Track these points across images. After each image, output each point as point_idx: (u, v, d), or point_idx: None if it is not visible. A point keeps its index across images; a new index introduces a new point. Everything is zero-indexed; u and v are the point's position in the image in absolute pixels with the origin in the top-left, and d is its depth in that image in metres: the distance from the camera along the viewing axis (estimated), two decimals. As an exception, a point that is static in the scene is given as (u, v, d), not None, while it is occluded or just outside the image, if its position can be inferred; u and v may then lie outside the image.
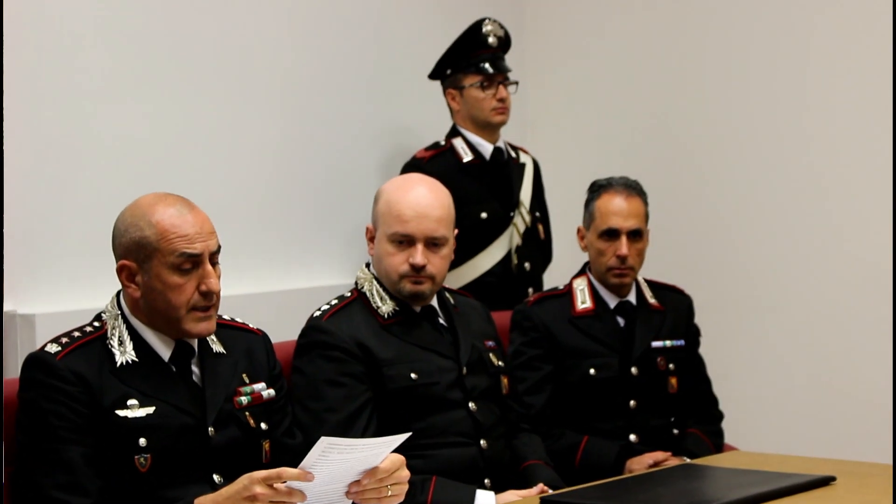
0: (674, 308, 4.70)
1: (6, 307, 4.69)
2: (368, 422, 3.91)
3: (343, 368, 3.95)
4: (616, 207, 4.55)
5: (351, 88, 5.78)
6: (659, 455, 4.40)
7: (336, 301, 4.09)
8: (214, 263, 3.47)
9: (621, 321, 4.59)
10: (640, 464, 4.39)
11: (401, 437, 3.20)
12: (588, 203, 4.61)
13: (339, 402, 3.91)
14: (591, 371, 4.53)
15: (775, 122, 5.89)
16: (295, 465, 3.58)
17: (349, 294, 4.11)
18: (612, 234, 4.55)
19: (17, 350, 4.59)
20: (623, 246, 4.54)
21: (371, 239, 4.12)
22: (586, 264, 4.67)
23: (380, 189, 4.16)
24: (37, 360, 3.42)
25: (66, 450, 3.31)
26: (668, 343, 4.61)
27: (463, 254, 5.19)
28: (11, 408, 3.46)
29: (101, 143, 4.96)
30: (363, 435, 3.84)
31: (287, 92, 5.56)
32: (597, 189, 4.62)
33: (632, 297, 4.62)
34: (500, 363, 4.22)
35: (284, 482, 3.12)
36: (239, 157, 5.38)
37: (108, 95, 4.99)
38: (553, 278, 5.56)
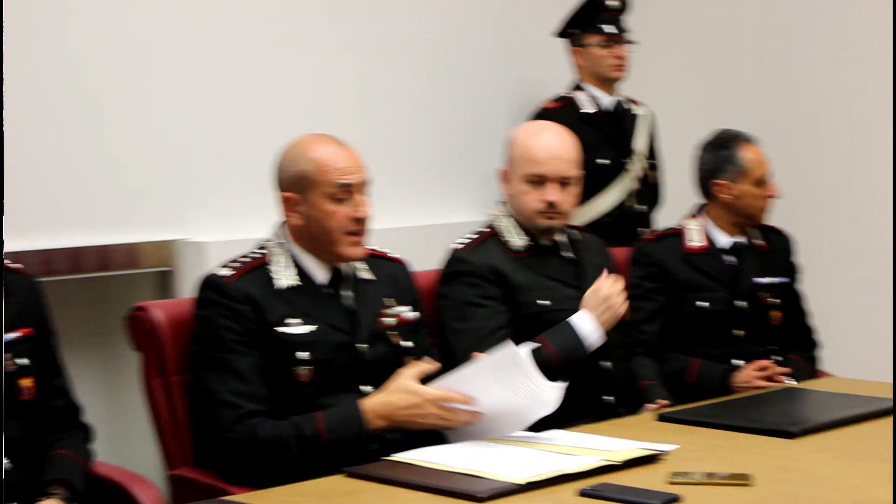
0: (778, 247, 4.68)
1: (179, 235, 4.77)
2: (506, 339, 3.92)
3: (483, 292, 3.99)
4: (762, 157, 4.54)
5: (484, 45, 5.81)
6: (763, 362, 4.38)
7: (474, 235, 4.12)
8: (365, 194, 3.52)
9: (731, 259, 4.58)
10: (745, 375, 4.36)
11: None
12: (729, 158, 4.54)
13: (483, 320, 3.95)
14: (701, 304, 4.52)
15: (880, 75, 5.79)
16: (433, 380, 3.66)
17: (485, 229, 4.14)
18: (764, 181, 4.54)
19: (189, 274, 4.66)
20: (775, 188, 4.57)
21: (505, 180, 4.13)
22: (702, 206, 4.64)
23: (511, 134, 4.17)
24: (211, 282, 3.49)
25: (238, 360, 3.38)
26: (772, 280, 4.59)
27: (583, 196, 5.19)
28: (184, 324, 3.55)
29: (261, 90, 5.02)
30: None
31: (428, 48, 5.59)
32: (731, 141, 4.57)
33: (741, 237, 4.60)
34: (621, 293, 4.23)
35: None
36: (384, 105, 5.43)
37: (267, 49, 5.05)
38: (663, 219, 5.55)
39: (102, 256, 4.56)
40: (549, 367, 3.79)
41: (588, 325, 3.97)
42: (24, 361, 3.24)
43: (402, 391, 3.33)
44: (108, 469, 3.39)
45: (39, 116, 4.43)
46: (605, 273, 4.05)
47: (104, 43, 4.59)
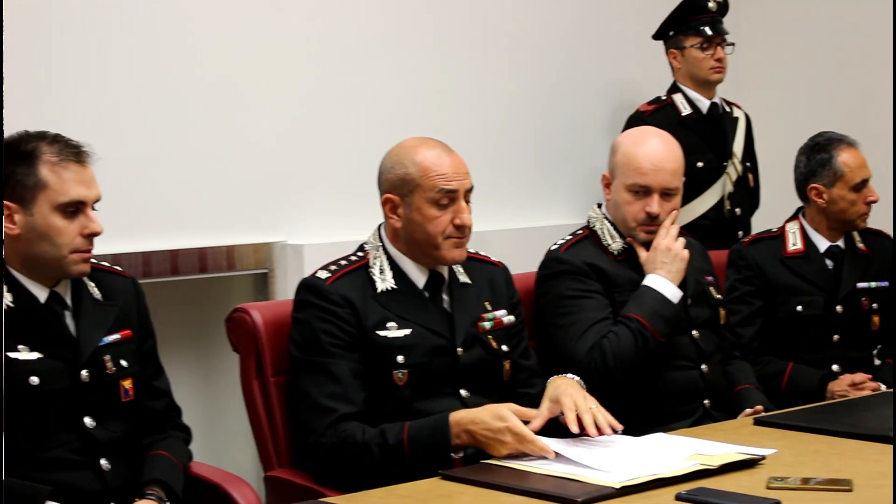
0: (879, 251, 4.61)
1: (277, 237, 4.80)
2: (602, 329, 3.91)
3: (586, 286, 3.96)
4: (862, 160, 4.49)
5: (582, 48, 5.81)
6: (858, 377, 4.34)
7: (570, 237, 4.10)
8: (467, 201, 3.51)
9: (830, 263, 4.52)
10: (840, 385, 4.33)
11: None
12: (825, 162, 4.50)
13: (587, 312, 3.93)
14: (799, 308, 4.48)
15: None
16: (528, 384, 3.64)
17: (581, 231, 4.11)
18: (864, 185, 4.49)
19: (287, 276, 4.70)
20: (875, 191, 4.50)
21: (607, 186, 4.09)
22: (799, 209, 4.60)
23: (616, 141, 4.13)
24: (309, 285, 3.49)
25: (335, 363, 3.38)
26: (873, 284, 4.53)
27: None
28: (282, 326, 3.57)
29: (361, 92, 5.05)
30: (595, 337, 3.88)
31: (526, 51, 5.60)
32: (829, 145, 4.52)
33: (840, 241, 4.54)
34: (718, 296, 4.19)
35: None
36: (482, 108, 5.44)
37: (367, 52, 5.08)
38: (760, 223, 5.50)
39: (201, 259, 4.60)
40: (644, 337, 3.81)
41: (660, 282, 3.93)
42: (125, 363, 3.27)
43: (493, 414, 3.24)
44: (205, 469, 3.40)
45: (139, 121, 4.48)
46: (664, 230, 4.00)
47: (201, 47, 4.63)
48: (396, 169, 3.51)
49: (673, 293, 3.93)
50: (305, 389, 3.40)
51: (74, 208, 3.12)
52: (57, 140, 3.15)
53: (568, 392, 3.38)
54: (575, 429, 3.28)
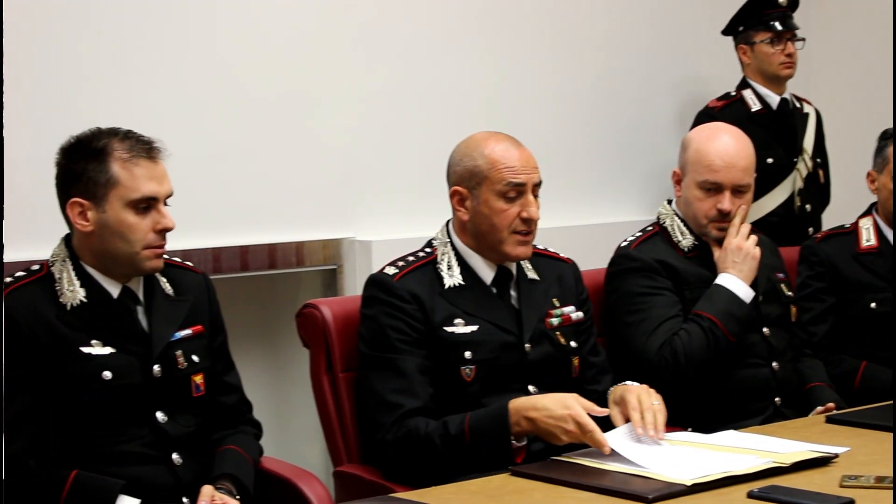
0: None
1: (345, 234, 4.81)
2: (672, 327, 3.88)
3: (655, 283, 3.94)
4: None
5: (651, 43, 5.78)
6: None
7: (640, 233, 4.08)
8: (535, 195, 3.50)
9: (900, 257, 4.48)
10: None
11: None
12: (881, 149, 4.47)
13: (658, 309, 3.91)
14: (872, 305, 4.42)
15: None
16: (596, 380, 3.63)
17: (651, 227, 4.10)
18: None
19: (355, 272, 4.71)
20: None
21: (678, 182, 4.07)
22: (872, 205, 4.56)
23: (687, 137, 4.11)
24: (377, 281, 3.50)
25: (402, 359, 3.39)
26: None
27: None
28: (352, 321, 3.57)
29: (430, 88, 5.05)
30: (667, 334, 3.86)
31: (595, 47, 5.59)
32: (889, 136, 4.49)
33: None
34: (789, 293, 4.16)
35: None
36: (551, 104, 5.43)
37: (436, 47, 5.08)
38: (830, 219, 5.45)
39: (270, 255, 4.62)
40: (715, 336, 3.79)
41: (733, 281, 3.91)
42: (196, 359, 3.29)
43: (559, 402, 3.22)
44: (275, 464, 3.42)
45: (211, 118, 4.50)
46: (734, 228, 3.97)
47: (271, 46, 4.65)
48: (465, 161, 3.51)
49: (745, 293, 3.91)
50: (373, 386, 3.41)
51: (146, 204, 3.14)
52: (128, 136, 3.17)
53: (633, 391, 3.40)
54: (640, 431, 3.27)
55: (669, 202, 4.12)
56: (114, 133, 3.17)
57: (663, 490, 2.87)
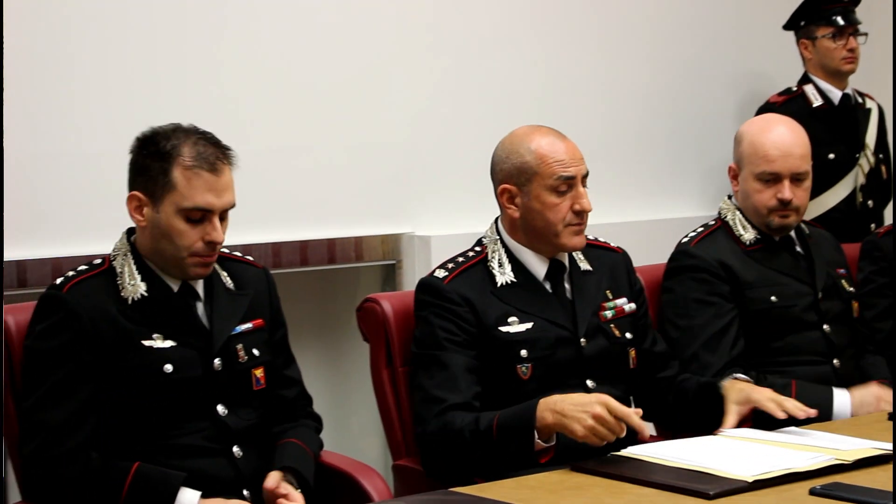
0: None
1: (404, 229, 4.82)
2: (736, 338, 3.87)
3: (711, 289, 3.92)
4: None
5: (710, 38, 5.75)
6: None
7: (702, 229, 4.06)
8: (584, 186, 3.49)
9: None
10: None
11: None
12: None
13: (709, 319, 3.88)
14: (936, 300, 4.38)
15: None
16: (665, 366, 3.63)
17: (713, 222, 4.07)
18: None
19: (414, 267, 4.71)
20: None
21: (734, 177, 4.05)
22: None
23: (740, 131, 4.09)
24: (428, 285, 3.49)
25: (449, 356, 3.37)
26: None
27: (811, 191, 5.10)
28: (411, 316, 3.56)
29: (486, 83, 5.06)
30: (731, 350, 3.83)
31: (654, 41, 5.57)
32: None
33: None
34: (851, 289, 4.13)
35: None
36: (610, 99, 5.42)
37: (491, 43, 5.09)
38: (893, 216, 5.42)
39: (330, 249, 4.64)
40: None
41: (845, 402, 3.82)
42: (256, 352, 3.30)
43: (588, 395, 3.21)
44: (334, 458, 3.42)
45: (270, 115, 4.52)
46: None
47: (329, 42, 4.67)
48: (512, 158, 3.49)
49: (840, 414, 3.80)
50: (420, 382, 3.41)
51: (200, 215, 3.13)
52: (200, 142, 3.15)
53: (757, 388, 3.49)
54: (781, 414, 3.37)
55: (730, 197, 4.09)
56: (188, 135, 3.16)
57: (724, 486, 2.85)
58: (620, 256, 3.73)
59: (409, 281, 4.70)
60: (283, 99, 4.55)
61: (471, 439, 3.25)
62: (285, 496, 3.14)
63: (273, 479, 3.16)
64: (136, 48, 4.25)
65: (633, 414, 3.13)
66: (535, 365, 3.42)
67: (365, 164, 4.74)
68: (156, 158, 3.13)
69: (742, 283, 3.93)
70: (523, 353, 3.42)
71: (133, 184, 3.17)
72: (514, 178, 3.48)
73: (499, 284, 3.48)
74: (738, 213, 4.03)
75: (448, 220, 4.88)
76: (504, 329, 3.43)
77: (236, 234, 3.30)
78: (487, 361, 3.42)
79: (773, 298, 3.94)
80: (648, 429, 3.25)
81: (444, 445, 3.30)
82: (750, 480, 2.88)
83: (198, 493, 3.07)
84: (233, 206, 3.19)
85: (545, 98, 5.15)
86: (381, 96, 4.77)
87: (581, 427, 3.10)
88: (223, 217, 3.18)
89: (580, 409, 3.13)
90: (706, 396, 3.58)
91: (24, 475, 3.15)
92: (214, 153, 3.15)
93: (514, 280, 3.49)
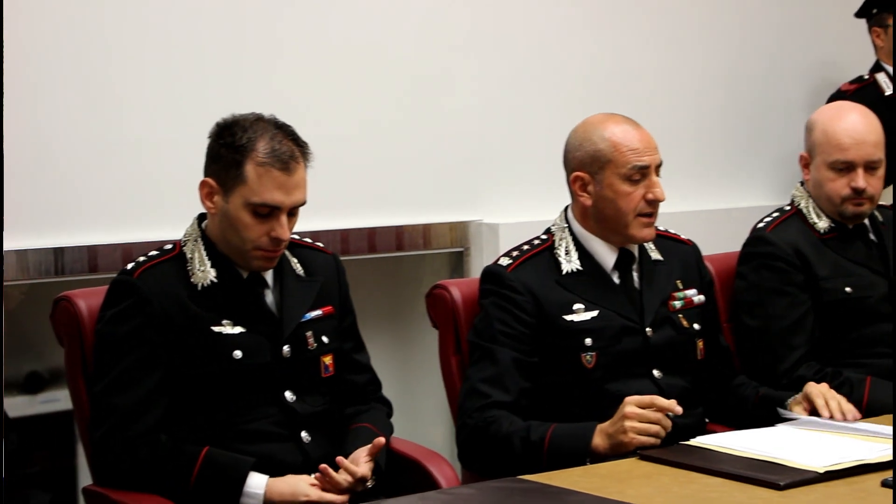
0: None
1: (472, 216, 4.82)
2: (811, 330, 3.84)
3: (786, 278, 3.87)
4: None
5: (782, 26, 5.73)
6: None
7: (777, 214, 4.01)
8: (657, 176, 3.47)
9: None
10: None
11: None
12: None
13: (784, 310, 3.84)
14: None
15: None
16: (727, 363, 3.60)
17: (788, 208, 4.03)
18: None
19: (482, 255, 4.71)
20: None
21: (805, 166, 4.00)
22: None
23: (812, 119, 4.04)
24: (491, 273, 3.48)
25: (500, 351, 3.36)
26: None
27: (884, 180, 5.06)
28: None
29: (556, 71, 5.05)
30: (806, 342, 3.80)
31: (728, 29, 5.56)
32: None
33: None
34: (932, 279, 4.09)
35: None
36: (680, 87, 5.41)
37: (562, 30, 5.08)
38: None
39: (398, 237, 4.64)
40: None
41: None
42: (326, 339, 3.30)
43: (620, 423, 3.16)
44: (404, 445, 3.42)
45: (339, 102, 4.54)
46: None
47: (401, 30, 4.68)
48: (585, 146, 3.47)
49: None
50: (469, 373, 3.41)
51: (268, 210, 3.13)
52: (277, 137, 3.14)
53: (814, 385, 3.46)
54: (826, 414, 3.34)
55: (802, 184, 4.05)
56: (266, 129, 3.15)
57: (794, 477, 2.83)
58: (691, 248, 3.70)
59: (477, 269, 4.69)
60: (353, 86, 4.56)
61: (520, 447, 3.23)
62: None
63: (365, 468, 3.15)
64: (206, 34, 4.28)
65: (656, 397, 3.14)
66: (600, 354, 3.40)
67: (434, 152, 4.74)
68: (230, 149, 3.13)
69: (817, 275, 3.89)
70: (588, 341, 3.40)
71: (207, 170, 3.19)
72: (586, 165, 3.46)
73: (564, 272, 3.46)
74: (811, 200, 3.99)
75: (516, 207, 4.88)
76: (568, 318, 3.41)
77: (305, 220, 3.30)
78: (551, 351, 3.40)
79: (847, 289, 3.89)
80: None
81: (486, 443, 3.29)
82: (821, 471, 2.85)
83: (266, 477, 3.08)
84: (303, 204, 3.18)
85: (616, 87, 5.14)
86: (451, 84, 4.77)
87: (626, 435, 3.11)
88: (293, 213, 3.18)
89: (617, 421, 3.14)
90: (766, 409, 3.55)
91: (94, 459, 3.17)
92: (289, 150, 3.14)
93: (581, 268, 3.47)
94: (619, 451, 3.13)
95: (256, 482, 3.08)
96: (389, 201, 4.65)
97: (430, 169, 4.74)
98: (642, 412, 3.12)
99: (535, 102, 4.96)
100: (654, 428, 3.12)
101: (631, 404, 3.13)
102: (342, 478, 3.10)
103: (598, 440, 3.17)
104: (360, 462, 3.15)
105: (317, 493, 3.09)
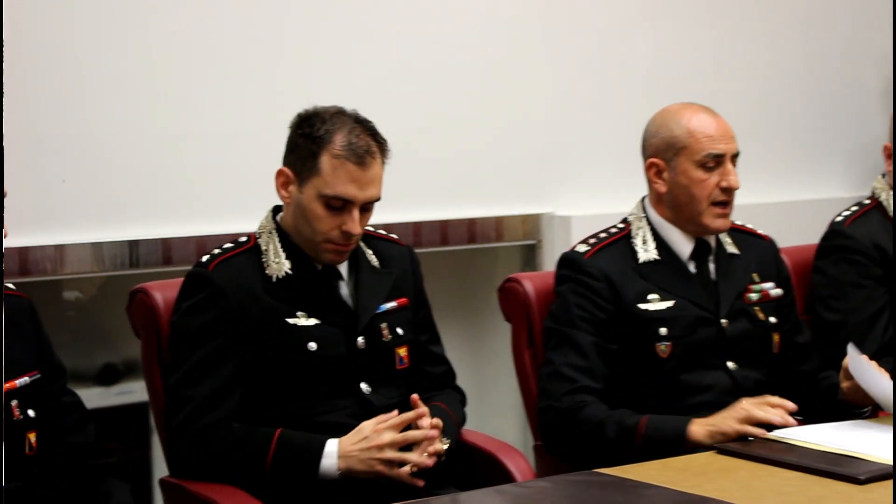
0: None
1: (545, 209, 4.80)
2: (887, 324, 3.79)
3: (864, 271, 3.83)
4: None
5: (857, 17, 5.65)
6: None
7: (856, 208, 3.96)
8: (733, 165, 3.45)
9: None
10: None
11: None
12: None
13: (861, 303, 3.80)
14: None
15: None
16: (801, 359, 3.57)
17: (867, 201, 3.97)
18: None
19: (554, 247, 4.70)
20: None
21: (889, 157, 3.94)
22: None
23: None
24: (568, 259, 3.50)
25: (580, 335, 3.37)
26: None
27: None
28: (552, 296, 3.54)
29: (629, 62, 5.03)
30: (882, 336, 3.75)
31: (799, 20, 5.49)
32: None
33: None
34: None
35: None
36: (756, 78, 5.37)
37: (634, 21, 5.06)
38: None
39: (470, 229, 4.64)
40: None
41: None
42: (400, 331, 3.30)
43: (733, 409, 3.18)
44: (477, 438, 3.42)
45: (409, 96, 4.53)
46: None
47: (470, 18, 4.67)
48: (662, 132, 3.48)
49: None
50: (550, 357, 3.40)
51: (340, 203, 3.13)
52: (355, 131, 3.15)
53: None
54: (778, 420, 3.23)
55: (883, 176, 4.00)
56: (345, 122, 3.16)
57: (875, 471, 2.80)
58: (768, 244, 3.69)
59: (549, 261, 4.68)
60: (425, 79, 4.56)
61: (614, 432, 3.22)
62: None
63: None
64: (284, 28, 4.28)
65: (768, 396, 3.16)
66: (675, 343, 3.39)
67: (506, 145, 4.73)
68: (308, 140, 3.14)
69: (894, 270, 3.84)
70: (662, 331, 3.39)
71: (285, 159, 3.20)
72: (662, 152, 3.47)
73: (641, 261, 3.47)
74: (892, 192, 3.94)
75: (589, 200, 4.86)
76: (643, 307, 3.41)
77: (379, 212, 3.30)
78: (625, 339, 3.40)
79: None
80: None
81: (576, 427, 3.28)
82: (901, 465, 2.83)
83: (336, 441, 3.07)
84: (377, 199, 3.18)
85: (689, 78, 5.10)
86: (523, 76, 4.76)
87: (731, 424, 3.12)
88: (366, 209, 3.18)
89: (725, 412, 3.16)
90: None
91: (169, 449, 3.19)
92: (366, 145, 3.14)
93: (657, 258, 3.48)
94: (717, 439, 3.12)
95: (329, 450, 3.06)
96: (462, 194, 4.65)
97: (502, 161, 4.73)
98: (757, 414, 3.12)
99: (607, 94, 4.94)
100: (766, 416, 3.11)
101: (746, 401, 3.15)
102: (421, 433, 3.09)
103: (696, 427, 3.16)
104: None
105: (389, 437, 3.06)
